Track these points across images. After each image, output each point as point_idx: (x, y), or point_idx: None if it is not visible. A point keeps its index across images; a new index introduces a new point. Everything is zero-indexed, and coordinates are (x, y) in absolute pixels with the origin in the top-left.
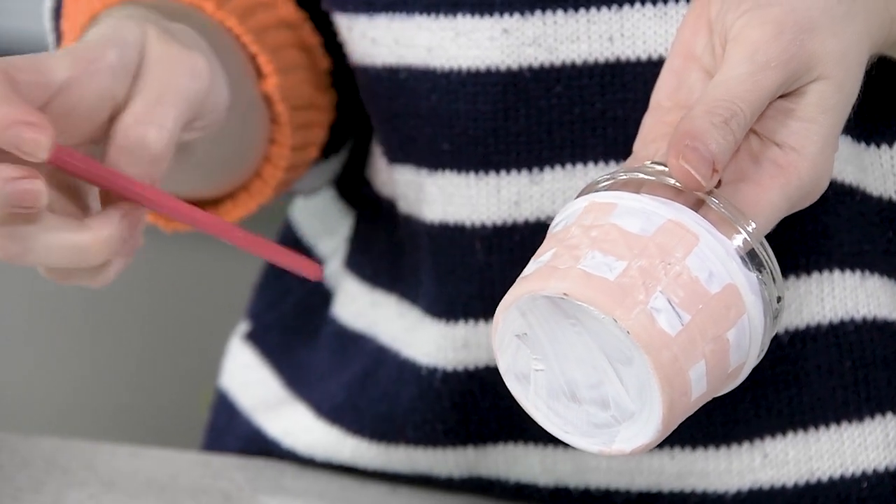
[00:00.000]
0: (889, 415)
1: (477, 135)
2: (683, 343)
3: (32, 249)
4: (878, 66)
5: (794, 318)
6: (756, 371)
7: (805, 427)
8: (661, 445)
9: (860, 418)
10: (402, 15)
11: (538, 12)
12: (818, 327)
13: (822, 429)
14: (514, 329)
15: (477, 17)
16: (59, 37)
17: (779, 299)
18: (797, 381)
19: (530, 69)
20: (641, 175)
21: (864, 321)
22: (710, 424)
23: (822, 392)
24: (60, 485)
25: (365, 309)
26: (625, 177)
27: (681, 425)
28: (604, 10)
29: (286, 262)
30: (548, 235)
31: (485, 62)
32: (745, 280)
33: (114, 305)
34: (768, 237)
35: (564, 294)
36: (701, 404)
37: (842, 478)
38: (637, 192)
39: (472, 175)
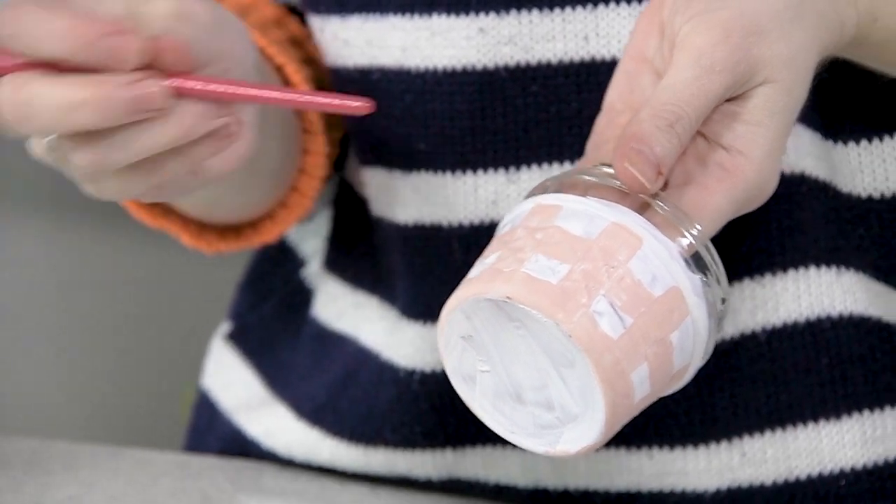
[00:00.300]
0: (866, 412)
1: (454, 134)
2: (625, 346)
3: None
4: (844, 65)
5: (771, 316)
6: (734, 370)
7: (783, 425)
8: (639, 445)
9: (837, 416)
10: (376, 15)
11: (514, 11)
12: (795, 325)
13: (800, 427)
14: (459, 331)
15: (453, 16)
16: None
17: (723, 301)
18: (775, 379)
19: (506, 68)
20: (587, 177)
21: (841, 317)
22: (689, 424)
23: (800, 390)
24: (40, 486)
25: (346, 310)
26: (571, 179)
27: (659, 425)
28: (579, 9)
29: (333, 106)
30: (494, 237)
31: (461, 61)
32: (688, 283)
33: (95, 306)
34: (740, 234)
35: (507, 297)
36: (645, 405)
37: (820, 476)
38: (584, 194)
39: (448, 175)
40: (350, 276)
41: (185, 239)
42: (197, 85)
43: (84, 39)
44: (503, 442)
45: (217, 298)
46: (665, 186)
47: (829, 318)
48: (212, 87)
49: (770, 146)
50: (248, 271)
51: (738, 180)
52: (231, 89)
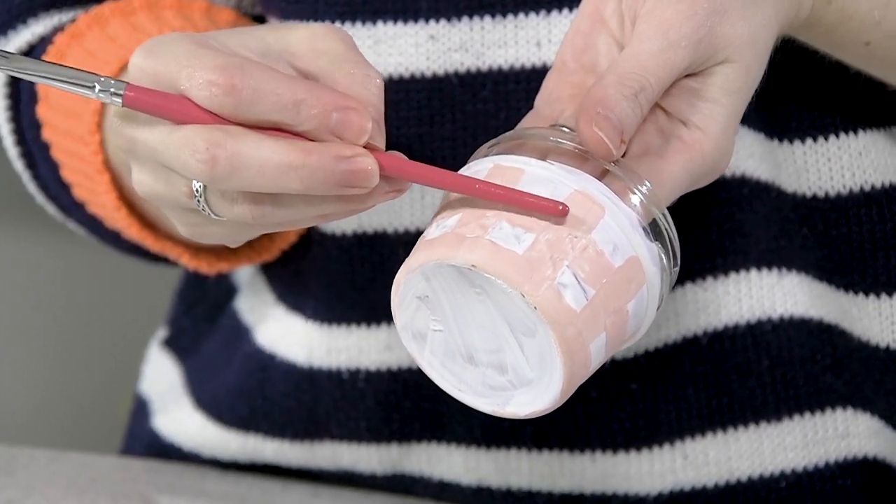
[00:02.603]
0: (807, 415)
1: (400, 142)
2: (587, 318)
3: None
4: (790, 64)
5: (713, 318)
6: (676, 373)
7: (724, 427)
8: (582, 449)
9: (779, 418)
10: (314, 23)
11: (465, 18)
12: (736, 327)
13: (742, 429)
14: (416, 291)
15: (400, 23)
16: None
17: (675, 264)
18: (717, 381)
19: (457, 74)
20: (550, 139)
21: (782, 320)
22: (633, 428)
23: (741, 392)
24: None
25: (257, 306)
26: (526, 139)
27: (602, 429)
28: (532, 15)
29: (532, 205)
30: (449, 196)
31: (409, 69)
32: (646, 252)
33: (34, 310)
34: (682, 238)
35: (472, 266)
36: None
37: (761, 477)
38: (543, 158)
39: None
40: (278, 279)
41: (186, 260)
42: (410, 168)
43: (318, 110)
44: (447, 440)
45: (159, 304)
46: (623, 156)
47: (769, 321)
48: (422, 171)
49: (726, 123)
50: (183, 277)
51: (695, 154)
52: (439, 176)
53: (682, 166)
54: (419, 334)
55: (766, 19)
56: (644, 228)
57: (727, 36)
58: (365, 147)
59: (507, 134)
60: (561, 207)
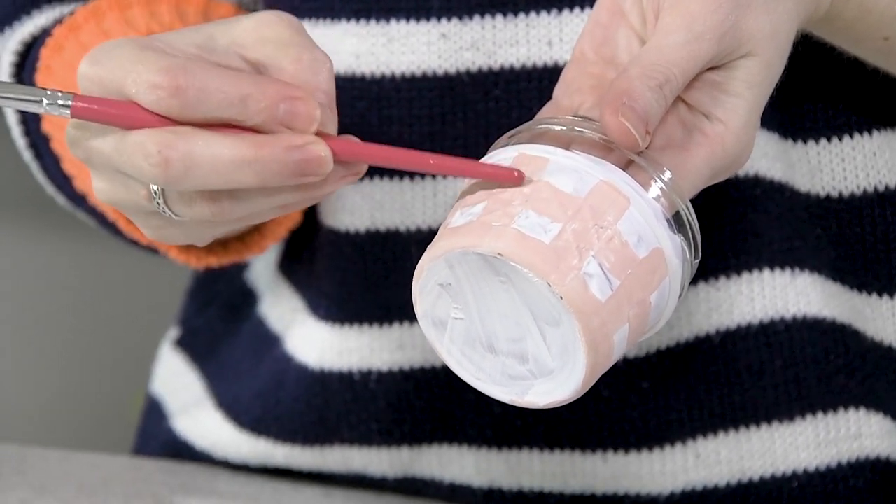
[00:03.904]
0: (819, 415)
1: (412, 140)
2: (612, 309)
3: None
4: (805, 62)
5: (725, 318)
6: (688, 371)
7: (736, 427)
8: (594, 449)
9: (791, 418)
10: (327, 21)
11: (477, 17)
12: (748, 327)
13: (753, 428)
14: (438, 279)
15: (413, 22)
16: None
17: (696, 257)
18: (728, 380)
19: (468, 73)
20: (577, 129)
21: (794, 319)
22: (644, 427)
23: (754, 391)
24: None
25: (286, 313)
26: (557, 129)
27: (614, 428)
28: (543, 14)
29: (488, 174)
30: (474, 183)
31: (420, 67)
32: (670, 244)
33: (46, 309)
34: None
35: (499, 254)
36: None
37: (773, 477)
38: (567, 147)
39: (406, 181)
40: (295, 280)
41: (175, 254)
42: (363, 149)
43: (265, 103)
44: (458, 441)
45: (170, 304)
46: (646, 148)
47: (782, 321)
48: (376, 151)
49: (748, 117)
50: (194, 277)
51: (716, 147)
52: (394, 154)
53: (704, 159)
54: (439, 322)
55: (787, 13)
56: (668, 220)
57: (751, 29)
58: (317, 134)
59: (528, 123)
60: (517, 174)
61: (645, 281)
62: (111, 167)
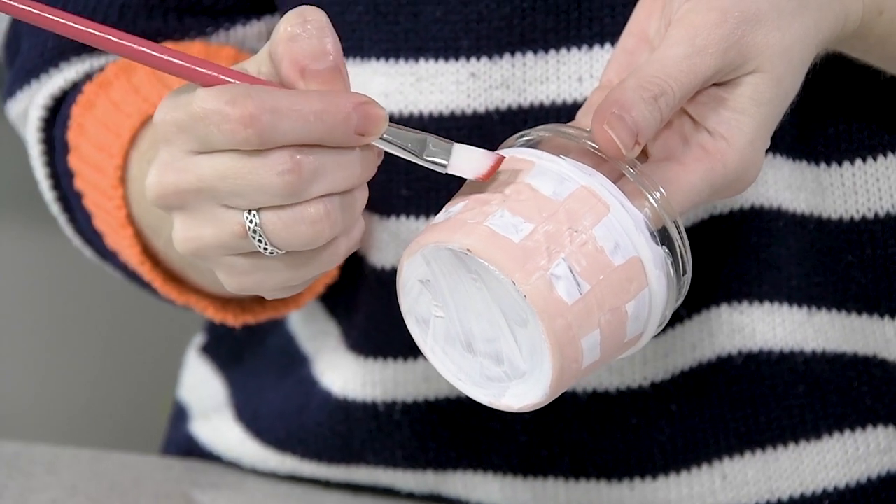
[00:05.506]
0: (847, 432)
1: (439, 179)
2: (579, 312)
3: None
4: (835, 84)
5: (748, 341)
6: (712, 392)
7: (763, 447)
8: (620, 477)
9: (818, 436)
10: (357, 60)
11: (507, 55)
12: (770, 353)
13: (781, 448)
14: (418, 275)
15: (441, 61)
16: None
17: (684, 272)
18: (753, 401)
19: (498, 111)
20: (563, 133)
21: (814, 354)
22: (672, 450)
23: (779, 411)
24: (22, 489)
25: (317, 335)
26: (547, 134)
27: (642, 454)
28: (574, 50)
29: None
30: (465, 184)
31: (449, 106)
32: (650, 254)
33: (78, 311)
34: (722, 259)
35: (467, 250)
36: (594, 371)
37: (802, 497)
38: (565, 155)
39: (431, 218)
40: (330, 305)
41: (211, 313)
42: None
43: (342, 115)
44: (484, 467)
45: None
46: (646, 159)
47: (802, 353)
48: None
49: (754, 135)
50: None
51: (716, 164)
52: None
53: (701, 175)
54: (422, 319)
55: (804, 31)
56: (652, 232)
57: (758, 45)
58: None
59: (537, 127)
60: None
61: (620, 288)
62: (211, 199)
